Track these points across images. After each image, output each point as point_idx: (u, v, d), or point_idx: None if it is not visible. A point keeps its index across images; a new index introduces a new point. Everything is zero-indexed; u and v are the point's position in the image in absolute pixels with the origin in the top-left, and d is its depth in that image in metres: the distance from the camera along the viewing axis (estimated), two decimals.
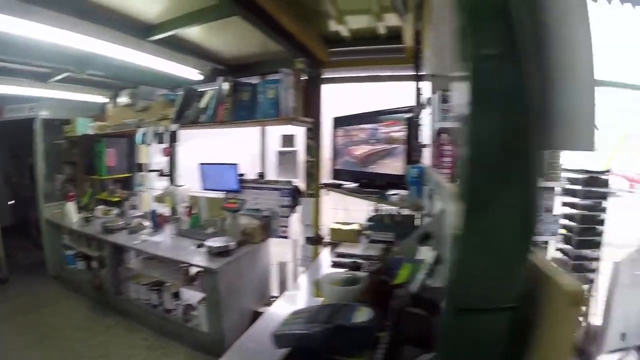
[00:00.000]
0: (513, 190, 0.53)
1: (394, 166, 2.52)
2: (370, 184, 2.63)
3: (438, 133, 2.61)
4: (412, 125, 2.55)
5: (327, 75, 3.12)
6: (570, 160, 2.98)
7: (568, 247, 2.76)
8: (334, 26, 2.70)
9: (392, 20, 2.60)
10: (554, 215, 2.63)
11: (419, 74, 2.74)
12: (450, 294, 0.59)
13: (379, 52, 2.98)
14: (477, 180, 0.54)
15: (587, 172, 2.70)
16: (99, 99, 4.25)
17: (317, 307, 1.21)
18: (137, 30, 2.50)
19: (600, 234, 2.72)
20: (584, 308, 2.88)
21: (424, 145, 2.67)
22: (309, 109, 2.95)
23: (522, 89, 0.52)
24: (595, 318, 3.05)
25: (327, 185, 2.90)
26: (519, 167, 0.53)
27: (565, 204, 2.79)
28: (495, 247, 0.55)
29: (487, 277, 0.56)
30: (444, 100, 2.63)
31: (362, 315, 1.07)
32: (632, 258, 2.88)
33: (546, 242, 2.75)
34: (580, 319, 3.00)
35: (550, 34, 0.56)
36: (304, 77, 2.88)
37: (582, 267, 2.75)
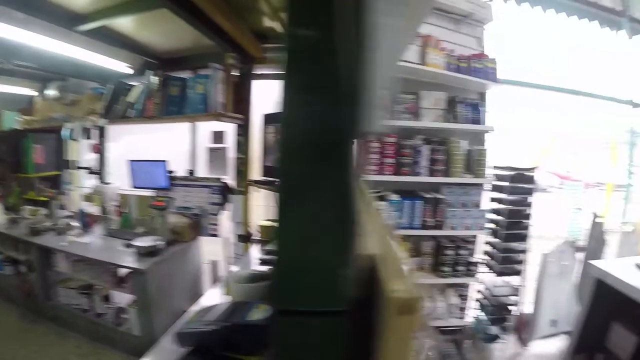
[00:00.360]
0: (326, 178, 0.51)
1: None
2: None
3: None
4: None
5: (260, 71, 3.05)
6: (499, 157, 3.08)
7: (496, 240, 2.85)
8: (268, 22, 2.64)
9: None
10: (481, 210, 2.70)
11: None
12: (273, 294, 0.55)
13: None
14: (290, 168, 0.51)
15: (513, 169, 2.79)
16: (27, 91, 3.99)
17: (220, 305, 1.20)
18: (65, 19, 2.36)
19: (526, 227, 2.82)
20: (516, 299, 3.00)
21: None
22: (240, 105, 2.88)
23: (336, 75, 0.49)
24: (527, 307, 3.19)
25: (257, 182, 2.85)
26: (331, 155, 0.51)
27: (493, 200, 2.88)
28: (311, 240, 0.51)
29: (306, 275, 0.52)
30: None
31: (259, 313, 1.07)
32: (559, 250, 3.02)
33: (474, 236, 2.84)
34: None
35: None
36: (235, 73, 2.81)
37: (510, 260, 2.84)
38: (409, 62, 2.53)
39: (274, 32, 2.74)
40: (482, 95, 2.91)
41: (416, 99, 2.69)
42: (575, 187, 3.91)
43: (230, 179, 3.02)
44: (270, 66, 2.98)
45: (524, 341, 3.15)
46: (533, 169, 2.77)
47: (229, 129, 3.08)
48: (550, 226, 4.31)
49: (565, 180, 7.11)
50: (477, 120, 2.73)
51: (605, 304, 1.97)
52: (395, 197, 2.60)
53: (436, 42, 2.68)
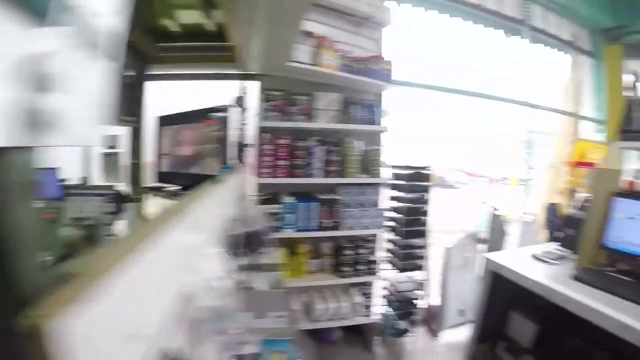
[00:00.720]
0: None
1: (213, 167, 2.45)
2: (193, 186, 2.53)
3: (261, 132, 2.59)
4: (228, 125, 2.50)
5: (155, 71, 2.94)
6: (401, 157, 3.16)
7: (397, 238, 2.90)
8: (162, 20, 2.55)
9: (221, 16, 2.52)
10: (378, 209, 2.74)
11: (245, 72, 2.69)
12: None
13: (208, 49, 2.89)
14: None
15: (410, 167, 2.85)
16: None
17: None
18: None
19: (425, 223, 2.89)
20: (421, 293, 3.07)
21: (246, 145, 2.63)
22: (132, 107, 2.76)
23: None
24: (434, 299, 3.28)
25: (151, 189, 2.74)
26: None
27: (392, 198, 2.93)
28: None
29: None
30: (267, 99, 2.62)
31: None
32: (461, 242, 3.13)
33: (375, 235, 2.87)
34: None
35: None
36: (127, 73, 2.68)
37: (412, 255, 2.90)
38: (301, 62, 2.52)
39: (170, 31, 2.65)
40: (378, 97, 2.95)
41: (311, 100, 2.68)
42: (480, 183, 4.09)
43: (124, 186, 2.89)
44: (166, 66, 2.89)
45: (433, 332, 3.24)
46: (429, 167, 2.85)
47: (123, 132, 2.94)
48: (457, 220, 4.51)
49: (472, 176, 7.46)
50: (372, 121, 2.76)
51: (503, 295, 2.05)
52: (289, 199, 2.58)
53: (331, 43, 2.69)
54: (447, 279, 3.17)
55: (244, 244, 1.59)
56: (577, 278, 1.71)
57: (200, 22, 2.61)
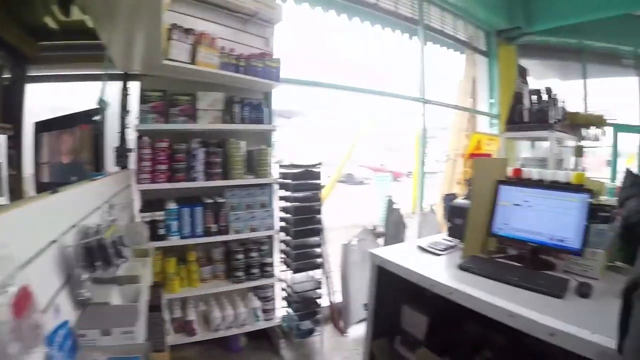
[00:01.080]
0: None
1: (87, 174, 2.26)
2: None
3: (139, 136, 2.43)
4: (103, 129, 2.32)
5: (36, 73, 2.65)
6: (298, 155, 3.14)
7: (289, 238, 2.87)
8: (43, 17, 2.29)
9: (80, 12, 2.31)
10: (267, 210, 2.70)
11: (124, 72, 2.51)
12: None
13: (87, 48, 2.66)
14: None
15: (299, 166, 2.83)
16: None
17: None
18: None
19: (319, 221, 2.88)
20: (321, 291, 3.07)
21: (130, 150, 2.47)
22: (9, 112, 2.47)
23: None
24: (337, 296, 3.30)
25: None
26: None
27: (282, 198, 2.90)
28: None
29: None
30: (145, 100, 2.46)
31: None
32: (360, 237, 3.17)
33: (269, 237, 2.83)
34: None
35: None
36: (4, 75, 2.39)
37: (308, 254, 2.89)
38: (178, 61, 2.39)
39: (51, 28, 2.40)
40: (266, 95, 2.91)
41: (192, 100, 2.57)
42: (385, 178, 4.23)
43: (3, 200, 2.59)
44: (47, 67, 2.61)
45: (341, 329, 3.26)
46: (319, 164, 2.85)
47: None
48: (362, 216, 4.67)
49: (379, 172, 7.79)
50: (260, 120, 2.71)
51: (392, 289, 2.02)
52: (172, 205, 2.45)
53: (211, 41, 2.59)
54: (347, 275, 3.20)
55: (96, 255, 1.45)
56: (461, 267, 1.70)
57: (81, 18, 2.39)
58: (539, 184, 1.87)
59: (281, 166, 2.89)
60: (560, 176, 1.85)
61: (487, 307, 1.35)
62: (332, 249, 3.22)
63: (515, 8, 4.96)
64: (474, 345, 1.79)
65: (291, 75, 3.16)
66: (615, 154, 5.73)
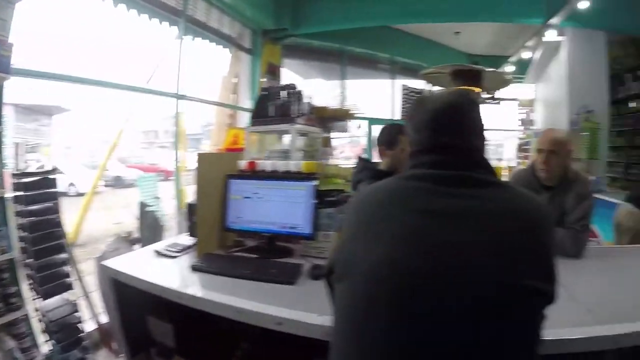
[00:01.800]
0: None
1: None
2: None
3: None
4: None
5: None
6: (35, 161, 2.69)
7: (30, 260, 2.45)
8: None
9: None
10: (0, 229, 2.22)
11: None
12: None
13: None
14: None
15: (33, 174, 2.42)
16: None
17: None
18: None
19: (61, 236, 2.54)
20: (81, 314, 2.73)
21: None
22: None
23: None
24: (103, 317, 2.97)
25: None
26: None
27: (18, 214, 2.44)
28: None
29: None
30: None
31: None
32: (112, 247, 2.90)
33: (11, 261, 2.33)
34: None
35: None
36: None
37: (55, 276, 2.52)
38: None
39: None
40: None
41: None
42: (150, 178, 4.00)
43: None
44: None
45: (115, 351, 2.95)
46: (55, 170, 2.49)
47: None
48: (126, 222, 4.45)
49: (147, 172, 7.65)
50: None
51: (134, 300, 1.77)
52: None
53: None
54: (107, 292, 2.92)
55: None
56: (194, 268, 1.62)
57: None
58: (272, 175, 1.96)
59: (14, 175, 2.40)
60: (292, 166, 1.96)
61: (215, 306, 1.32)
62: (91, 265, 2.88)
63: (282, 10, 5.37)
64: (229, 340, 1.70)
65: (29, 66, 2.66)
66: (369, 143, 6.94)
